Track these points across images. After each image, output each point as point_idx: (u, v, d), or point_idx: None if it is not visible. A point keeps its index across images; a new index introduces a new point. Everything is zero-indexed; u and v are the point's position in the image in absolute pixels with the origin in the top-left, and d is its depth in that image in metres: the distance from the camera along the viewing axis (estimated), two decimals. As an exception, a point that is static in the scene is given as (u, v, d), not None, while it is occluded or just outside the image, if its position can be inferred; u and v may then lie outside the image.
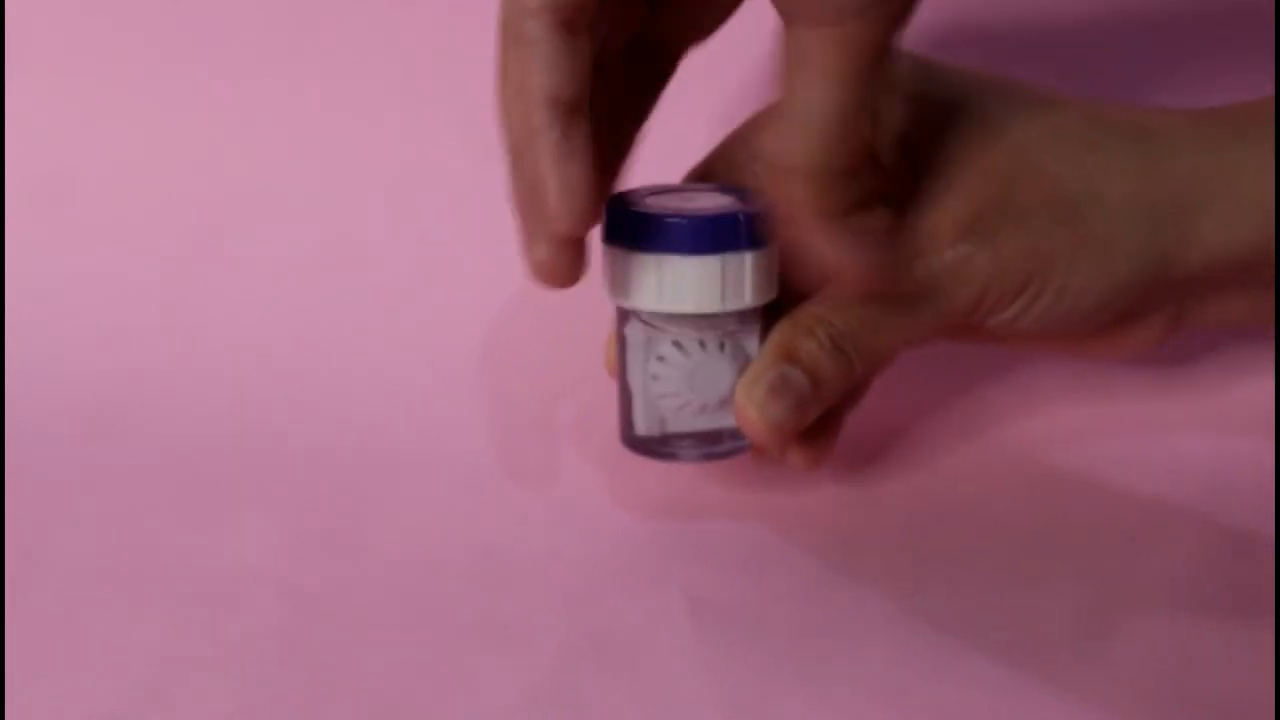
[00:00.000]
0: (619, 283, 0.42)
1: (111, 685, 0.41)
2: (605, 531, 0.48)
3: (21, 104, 0.57)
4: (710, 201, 0.42)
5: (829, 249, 0.40)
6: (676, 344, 0.42)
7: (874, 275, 0.41)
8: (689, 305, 0.41)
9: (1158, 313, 0.45)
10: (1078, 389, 0.55)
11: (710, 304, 0.41)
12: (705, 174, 0.46)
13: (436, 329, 0.55)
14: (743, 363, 0.43)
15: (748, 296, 0.42)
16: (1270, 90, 0.46)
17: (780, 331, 0.43)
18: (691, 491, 0.50)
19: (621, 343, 0.44)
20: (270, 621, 0.43)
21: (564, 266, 0.40)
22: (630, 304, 0.42)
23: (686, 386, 0.43)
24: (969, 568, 0.46)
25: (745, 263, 0.41)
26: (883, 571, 0.46)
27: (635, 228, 0.41)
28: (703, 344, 0.42)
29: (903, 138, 0.45)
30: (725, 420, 0.43)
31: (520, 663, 0.41)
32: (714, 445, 0.44)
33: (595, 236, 0.41)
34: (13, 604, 0.43)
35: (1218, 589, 0.45)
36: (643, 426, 0.43)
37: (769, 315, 0.43)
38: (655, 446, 0.44)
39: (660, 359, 0.43)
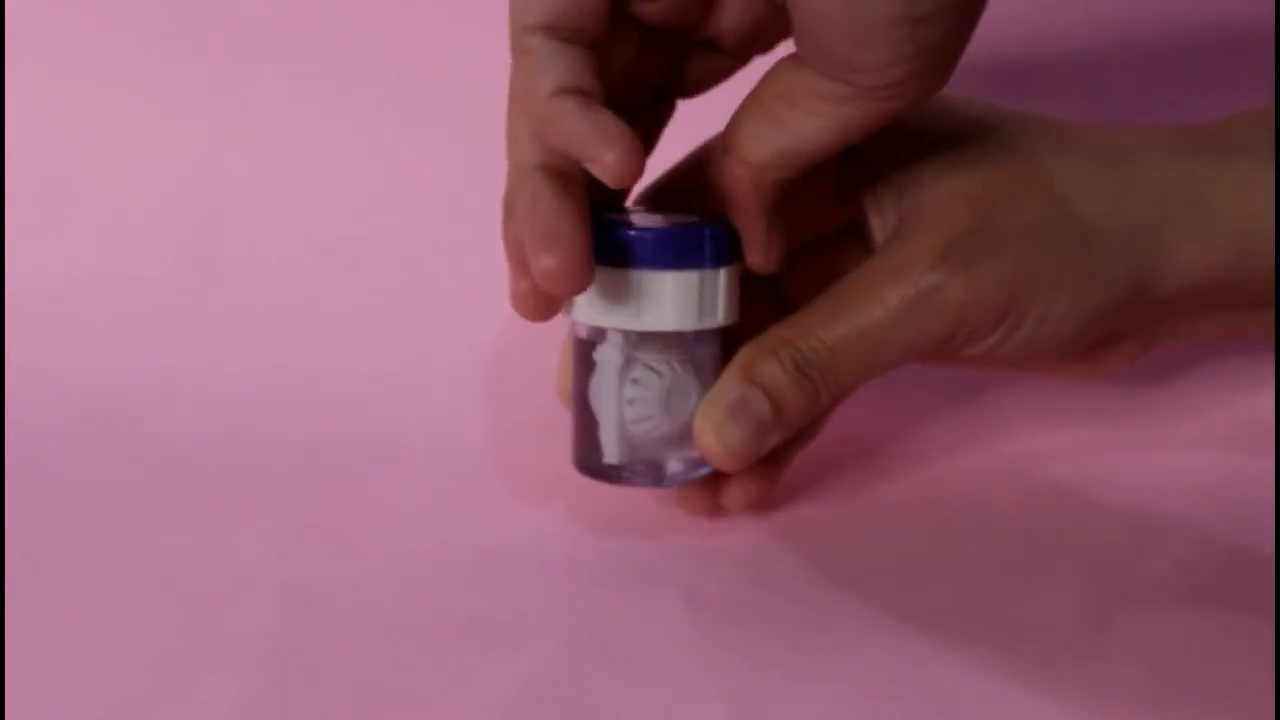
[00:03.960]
0: (588, 302, 0.42)
1: (111, 684, 0.41)
2: (604, 530, 0.48)
3: (21, 104, 0.57)
4: (671, 220, 0.42)
5: (758, 231, 0.42)
6: (650, 366, 0.42)
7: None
8: (668, 322, 0.41)
9: (1133, 335, 0.45)
10: (1075, 405, 0.55)
11: (687, 321, 0.41)
12: (653, 198, 0.46)
13: (435, 329, 0.55)
14: (706, 388, 0.43)
15: (720, 315, 0.42)
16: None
17: (744, 353, 0.42)
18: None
19: (586, 367, 0.43)
20: (269, 620, 0.43)
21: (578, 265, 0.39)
22: (604, 323, 0.42)
23: (660, 410, 0.43)
24: (968, 567, 0.46)
25: (720, 279, 0.41)
26: (882, 570, 0.46)
27: (609, 243, 0.41)
28: (674, 366, 0.42)
29: (876, 164, 0.44)
30: (686, 448, 0.43)
31: (519, 661, 0.41)
32: (670, 471, 0.44)
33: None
34: (12, 603, 0.43)
35: (1216, 587, 0.46)
36: (612, 453, 0.43)
37: (728, 342, 0.43)
38: (612, 472, 0.44)
39: (635, 382, 0.42)
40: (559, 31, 0.39)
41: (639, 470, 0.43)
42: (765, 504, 0.49)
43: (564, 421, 0.46)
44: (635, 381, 0.42)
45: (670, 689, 0.40)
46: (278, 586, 0.44)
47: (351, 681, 0.40)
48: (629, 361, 0.42)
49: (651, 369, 0.42)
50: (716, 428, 0.42)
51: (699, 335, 0.42)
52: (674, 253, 0.41)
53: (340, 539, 0.47)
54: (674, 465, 0.44)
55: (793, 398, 0.42)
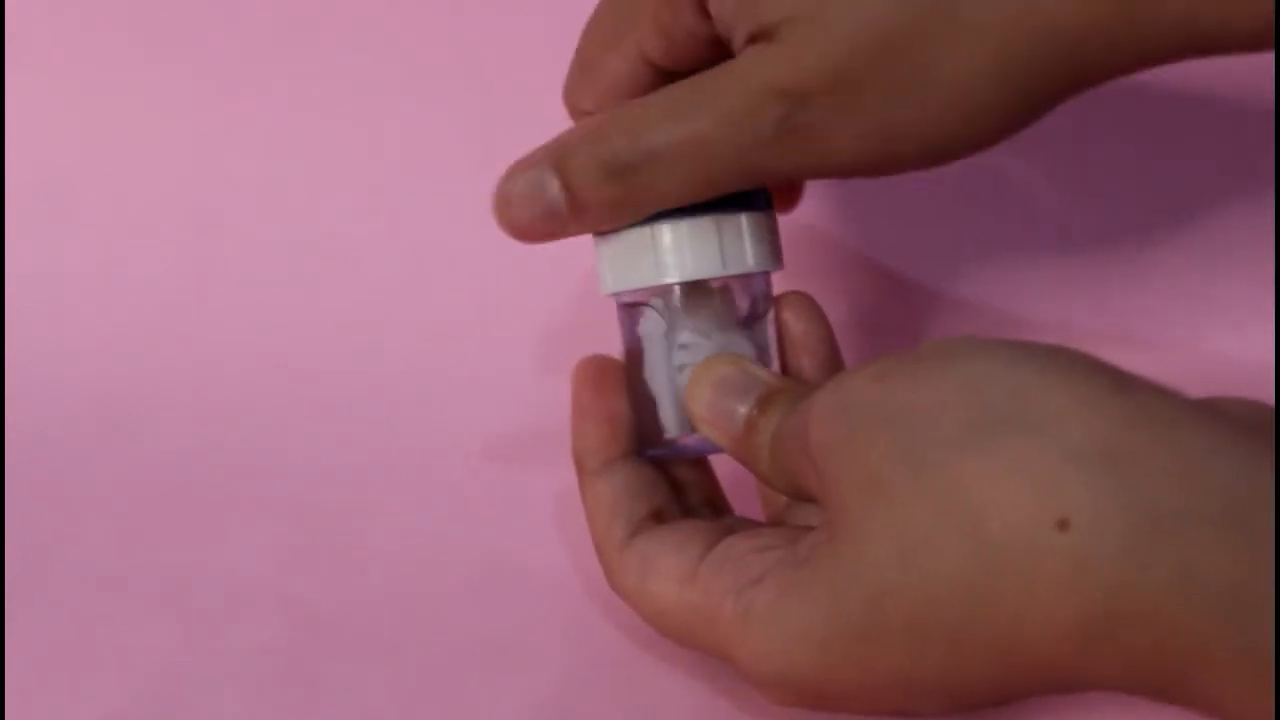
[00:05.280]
0: (614, 270, 0.41)
1: (111, 697, 0.41)
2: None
3: (20, 103, 0.57)
4: None
5: None
6: (694, 329, 0.41)
7: None
8: (689, 270, 0.40)
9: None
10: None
11: (711, 268, 0.40)
12: None
13: (436, 331, 0.55)
14: (756, 341, 0.42)
15: (750, 260, 0.41)
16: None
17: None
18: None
19: (635, 347, 0.42)
20: (270, 635, 0.43)
21: None
22: (629, 286, 0.41)
23: None
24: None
25: (741, 223, 0.41)
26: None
27: None
28: (718, 324, 0.41)
29: None
30: None
31: (521, 682, 0.41)
32: None
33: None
34: (12, 613, 0.43)
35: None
36: (672, 426, 0.42)
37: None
38: (674, 446, 0.42)
39: (683, 347, 0.41)
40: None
41: (695, 437, 0.42)
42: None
43: (567, 426, 0.45)
44: (684, 347, 0.41)
45: (674, 713, 0.40)
46: (278, 601, 0.44)
47: (351, 700, 0.41)
48: (673, 327, 0.42)
49: (696, 331, 0.41)
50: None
51: (737, 284, 0.41)
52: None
53: (340, 550, 0.47)
54: None
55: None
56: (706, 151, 0.38)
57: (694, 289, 0.41)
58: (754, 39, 0.38)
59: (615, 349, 0.43)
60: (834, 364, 0.42)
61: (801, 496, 0.38)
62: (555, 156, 0.39)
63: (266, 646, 0.43)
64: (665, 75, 0.41)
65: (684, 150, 0.38)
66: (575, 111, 0.43)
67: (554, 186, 0.39)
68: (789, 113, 0.37)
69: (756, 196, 0.41)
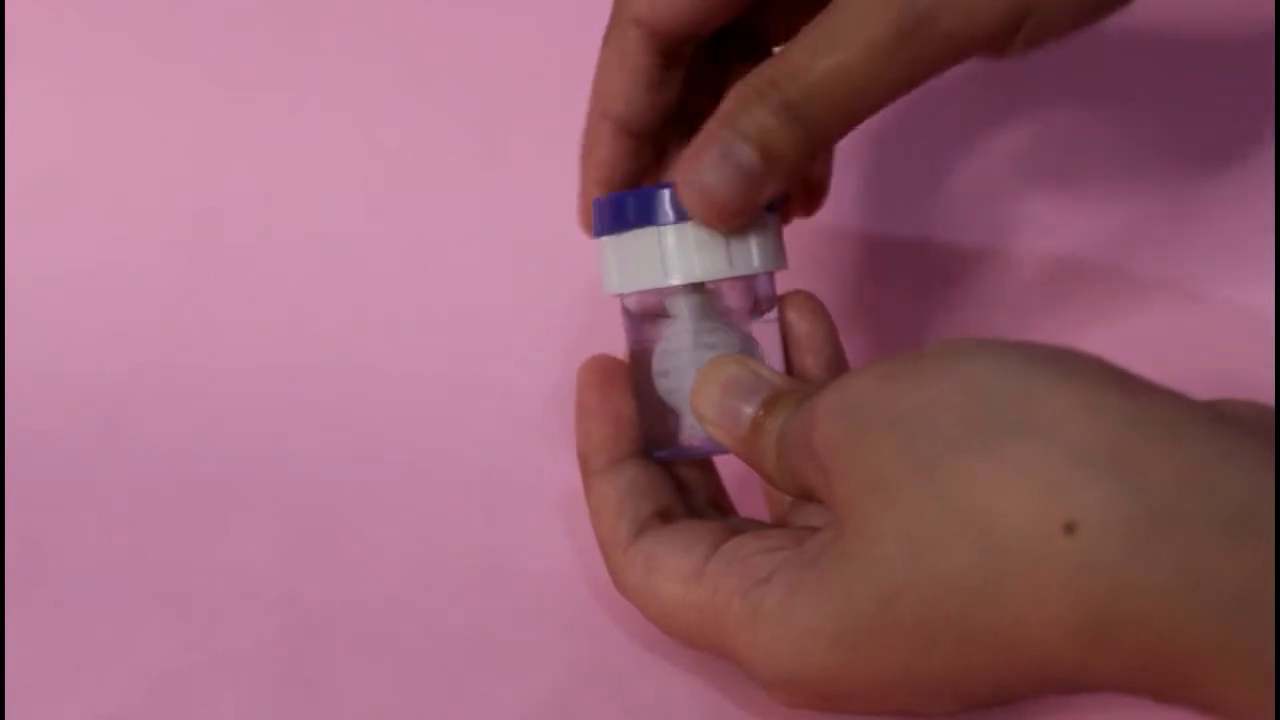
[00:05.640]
0: (620, 270, 0.41)
1: (111, 697, 0.41)
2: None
3: (20, 101, 0.57)
4: None
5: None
6: (717, 328, 0.41)
7: None
8: (695, 271, 0.40)
9: None
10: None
11: (718, 269, 0.40)
12: None
13: (439, 334, 0.55)
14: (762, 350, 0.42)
15: (755, 260, 0.41)
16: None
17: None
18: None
19: (639, 347, 0.42)
20: (270, 635, 0.43)
21: None
22: (634, 286, 0.41)
23: None
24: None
25: (746, 224, 0.40)
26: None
27: (629, 207, 0.41)
28: (735, 326, 0.42)
29: None
30: None
31: (520, 681, 0.41)
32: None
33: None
34: (11, 613, 0.43)
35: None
36: (696, 426, 0.41)
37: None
38: (691, 447, 0.42)
39: (710, 347, 0.41)
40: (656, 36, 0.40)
41: (701, 438, 0.42)
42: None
43: (567, 434, 0.45)
44: (710, 346, 0.41)
45: (672, 713, 0.40)
46: (277, 599, 0.44)
47: (350, 702, 0.41)
48: (700, 328, 0.41)
49: (721, 331, 0.41)
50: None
51: (743, 284, 0.42)
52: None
53: (340, 550, 0.47)
54: None
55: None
56: (853, 74, 0.38)
57: (708, 289, 0.41)
58: None
59: (620, 349, 0.43)
60: (838, 363, 0.42)
61: (807, 496, 0.38)
62: (728, 125, 0.39)
63: (266, 646, 0.42)
64: None
65: (835, 77, 0.38)
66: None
67: (744, 152, 0.38)
68: (908, 10, 0.37)
69: None
